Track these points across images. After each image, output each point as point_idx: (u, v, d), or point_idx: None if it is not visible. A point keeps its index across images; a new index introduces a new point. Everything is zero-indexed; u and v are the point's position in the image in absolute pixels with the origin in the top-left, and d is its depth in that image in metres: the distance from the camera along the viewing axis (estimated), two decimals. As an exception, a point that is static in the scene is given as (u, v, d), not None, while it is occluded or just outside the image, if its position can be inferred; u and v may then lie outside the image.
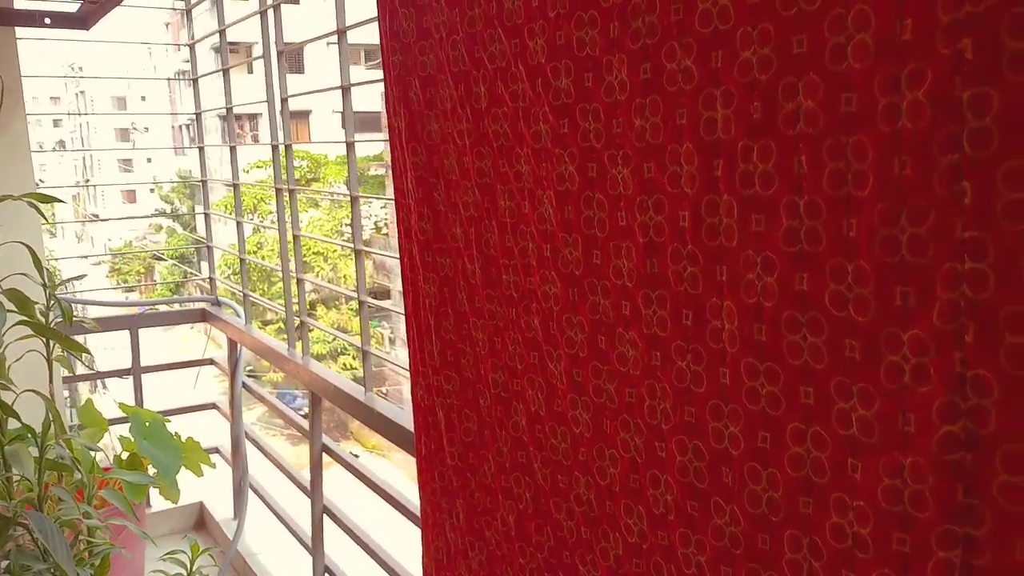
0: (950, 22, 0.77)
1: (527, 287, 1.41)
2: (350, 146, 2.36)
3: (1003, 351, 0.77)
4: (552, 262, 1.33)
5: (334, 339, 17.57)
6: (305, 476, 3.15)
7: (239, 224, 3.50)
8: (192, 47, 3.67)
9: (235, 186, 3.47)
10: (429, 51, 1.53)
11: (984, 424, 0.79)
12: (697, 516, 1.13)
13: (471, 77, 1.44)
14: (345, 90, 2.31)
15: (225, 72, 3.27)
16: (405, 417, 2.34)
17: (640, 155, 1.13)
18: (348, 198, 2.52)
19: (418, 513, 2.26)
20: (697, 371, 1.10)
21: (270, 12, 2.74)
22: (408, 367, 1.84)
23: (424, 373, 1.76)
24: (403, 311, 1.79)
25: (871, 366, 0.88)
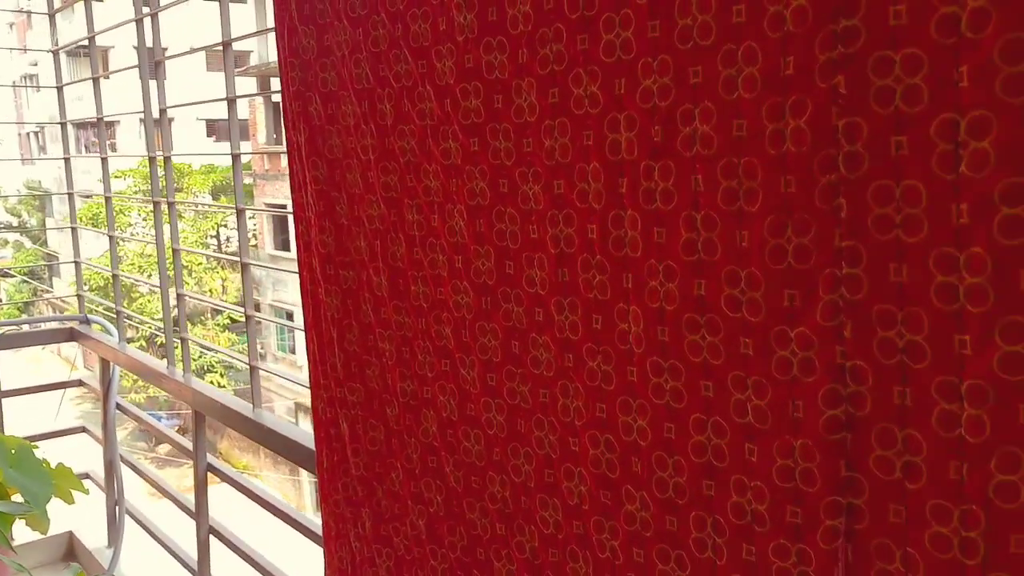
0: (826, 60, 0.89)
1: (437, 297, 1.47)
2: (236, 158, 2.34)
3: (876, 344, 0.90)
4: (464, 273, 1.40)
5: (200, 356, 16.89)
6: (186, 498, 3.06)
7: (112, 238, 3.35)
8: (56, 53, 3.49)
9: (107, 199, 3.33)
10: (331, 68, 1.57)
11: (861, 407, 0.92)
12: (610, 504, 1.22)
13: (376, 95, 1.48)
14: (231, 102, 2.29)
15: (96, 81, 3.14)
16: (299, 432, 2.33)
17: (550, 173, 1.22)
18: (222, 209, 2.48)
19: (312, 528, 2.27)
20: (607, 370, 1.19)
21: (146, 20, 2.67)
22: (308, 381, 1.85)
23: (326, 386, 1.78)
24: (301, 324, 1.80)
25: (763, 360, 1.00)
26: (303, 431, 2.31)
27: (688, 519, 1.11)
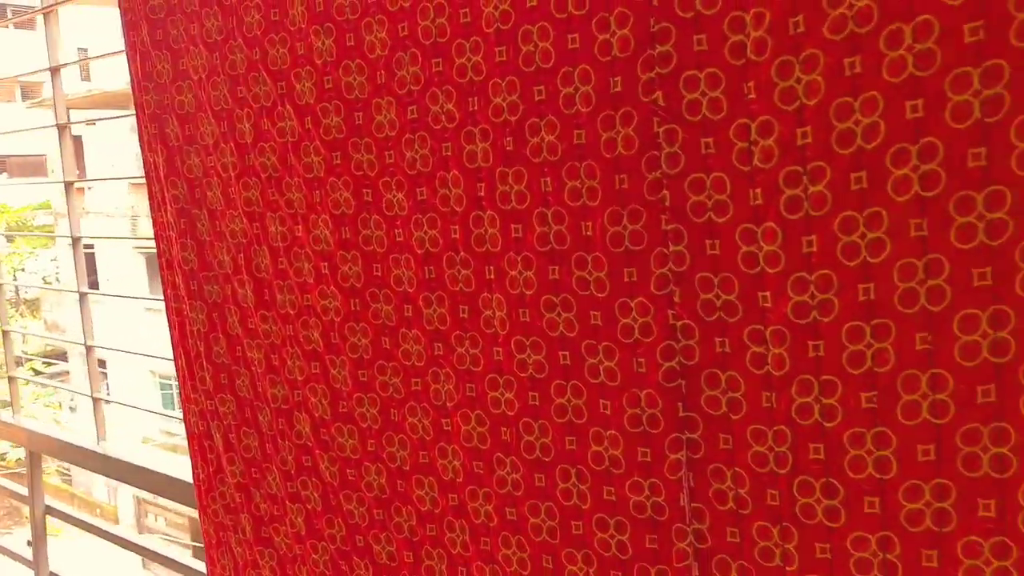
0: (647, 79, 1.10)
1: (304, 304, 1.55)
2: (68, 185, 2.28)
3: (699, 305, 1.11)
4: (331, 278, 1.50)
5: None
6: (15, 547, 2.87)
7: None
8: None
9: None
10: (187, 91, 1.62)
11: (691, 357, 1.13)
12: (483, 473, 1.37)
13: (235, 115, 1.56)
14: (62, 128, 2.23)
15: None
16: (151, 459, 2.31)
17: (412, 181, 1.36)
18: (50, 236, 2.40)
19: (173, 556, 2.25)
20: (475, 353, 1.34)
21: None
22: (179, 398, 1.86)
23: (196, 400, 1.80)
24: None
25: (610, 328, 1.19)
26: (157, 458, 2.28)
27: (555, 473, 1.28)
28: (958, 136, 0.91)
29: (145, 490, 2.29)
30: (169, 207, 1.70)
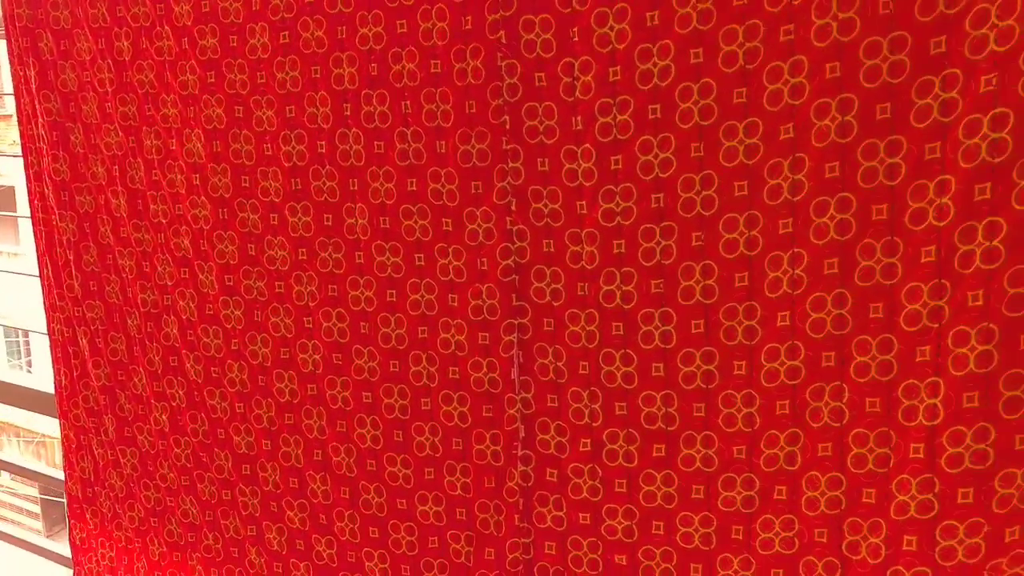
0: (492, 20, 1.31)
1: (175, 213, 1.68)
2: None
3: (531, 213, 1.35)
4: (202, 189, 1.63)
5: None
6: None
7: None
8: None
9: None
10: (63, 7, 1.68)
11: (524, 256, 1.37)
12: (341, 364, 1.56)
13: (112, 33, 1.64)
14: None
15: None
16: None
17: (282, 100, 1.51)
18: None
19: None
20: (338, 258, 1.52)
21: None
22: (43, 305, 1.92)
23: (63, 307, 1.88)
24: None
25: (459, 233, 1.41)
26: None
27: (408, 359, 1.50)
28: (727, 78, 1.18)
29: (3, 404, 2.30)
30: (41, 119, 1.76)
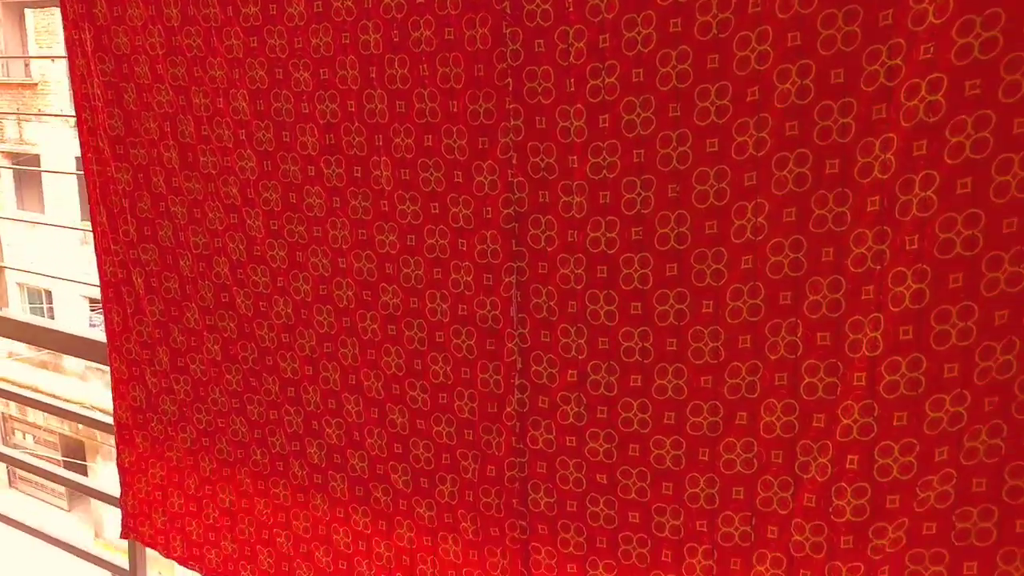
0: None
1: (224, 165, 1.88)
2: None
3: (529, 167, 1.51)
4: (248, 143, 1.82)
5: None
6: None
7: None
8: None
9: None
10: (118, -24, 1.88)
11: (522, 206, 1.53)
12: (370, 299, 1.75)
13: (162, 1, 1.84)
14: None
15: None
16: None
17: (316, 64, 1.69)
18: None
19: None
20: (366, 205, 1.71)
21: None
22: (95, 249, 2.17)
23: (116, 251, 2.11)
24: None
25: (468, 184, 1.57)
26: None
27: (424, 296, 1.68)
28: (702, 45, 1.31)
29: (45, 347, 2.56)
30: (96, 80, 1.98)
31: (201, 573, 2.18)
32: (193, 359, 2.08)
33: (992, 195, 1.16)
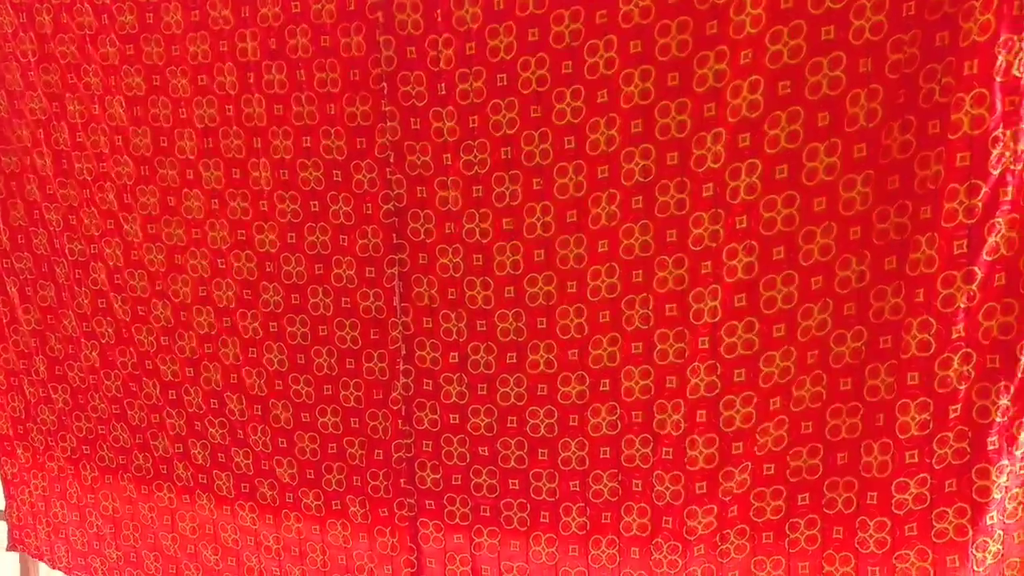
0: (372, 1, 1.54)
1: (100, 171, 1.85)
2: None
3: (406, 164, 1.59)
4: (124, 148, 1.81)
5: None
6: None
7: None
8: None
9: None
10: (-18, -15, 1.83)
11: (401, 201, 1.61)
12: (251, 299, 1.77)
13: (33, 8, 1.80)
14: None
15: None
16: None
17: (194, 70, 1.71)
18: None
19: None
20: (245, 206, 1.73)
21: None
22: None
23: (-11, 260, 2.04)
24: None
25: (347, 182, 1.63)
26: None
27: (306, 292, 1.72)
28: (557, 53, 1.44)
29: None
30: (-36, 88, 1.91)
31: (87, 584, 2.12)
32: (71, 367, 2.02)
33: (804, 179, 1.33)
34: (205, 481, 1.93)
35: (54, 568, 2.16)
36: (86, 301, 1.95)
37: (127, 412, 1.98)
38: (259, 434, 1.84)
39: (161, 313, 1.88)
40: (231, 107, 1.70)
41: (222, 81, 1.69)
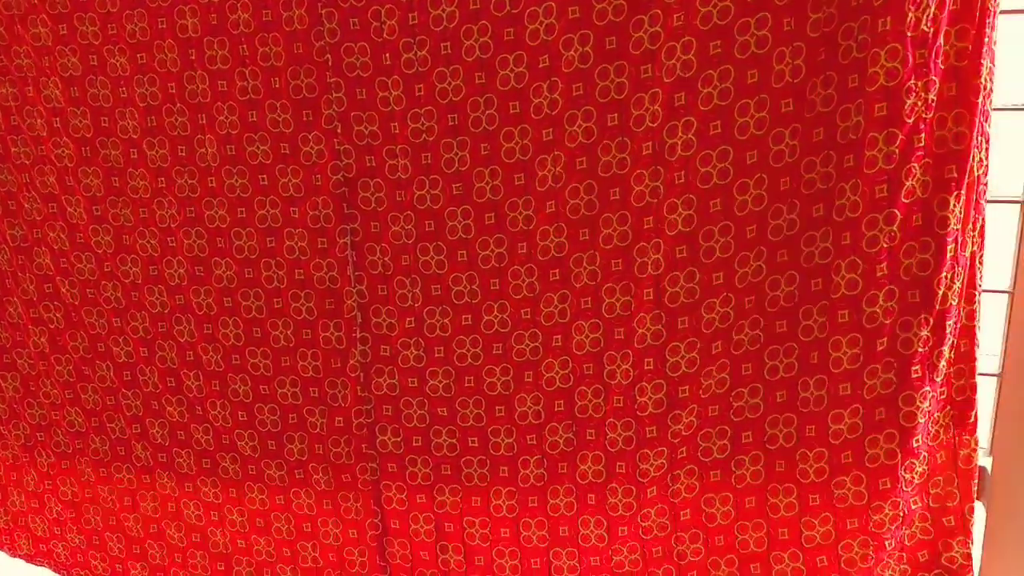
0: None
1: (39, 154, 1.82)
2: None
3: (354, 134, 1.61)
4: (63, 131, 1.78)
5: None
6: None
7: None
8: None
9: None
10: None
11: (350, 171, 1.63)
12: (203, 275, 1.77)
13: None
14: None
15: None
16: None
17: (133, 49, 1.69)
18: None
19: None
20: (193, 183, 1.73)
21: None
22: None
23: (-72, 248, 1.98)
24: None
25: (296, 155, 1.64)
26: None
27: (260, 266, 1.73)
28: (498, 20, 1.47)
29: None
30: None
31: (50, 568, 2.09)
32: (20, 354, 1.99)
33: (736, 133, 1.40)
34: (165, 460, 1.93)
35: (14, 556, 2.13)
36: (31, 287, 1.92)
37: (80, 396, 1.96)
38: (218, 409, 1.85)
39: (111, 294, 1.87)
40: (173, 84, 1.69)
41: (163, 59, 1.68)
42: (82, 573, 2.12)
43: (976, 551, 1.55)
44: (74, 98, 1.76)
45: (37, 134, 1.81)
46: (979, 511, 1.56)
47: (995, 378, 1.56)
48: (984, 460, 1.57)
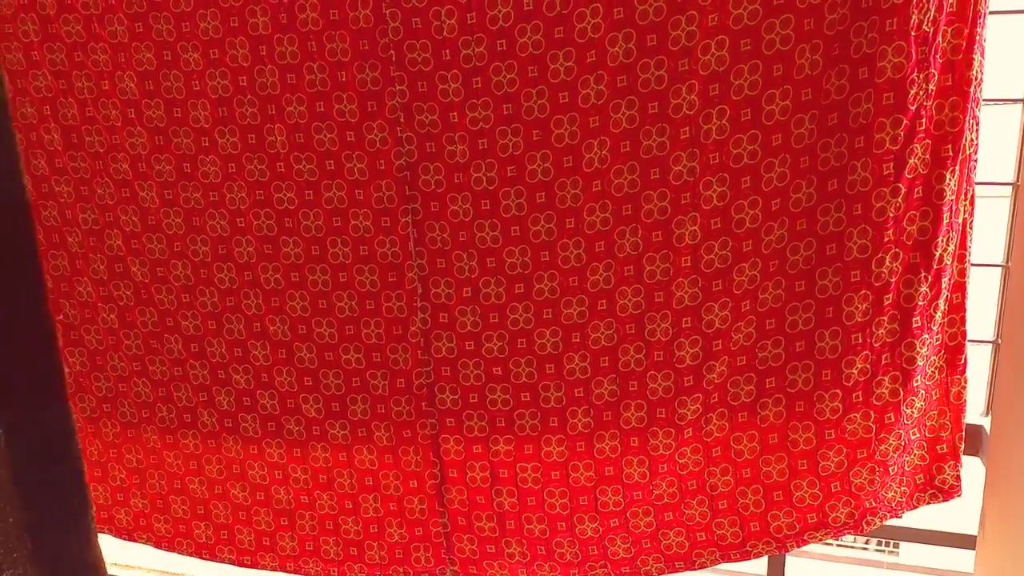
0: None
1: (112, 143, 1.95)
2: None
3: (415, 123, 1.78)
4: (138, 120, 1.92)
5: None
6: None
7: None
8: None
9: None
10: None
11: (412, 156, 1.80)
12: (272, 253, 1.93)
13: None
14: None
15: None
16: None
17: (205, 45, 1.83)
18: None
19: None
20: (262, 168, 1.88)
21: None
22: None
23: None
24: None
25: (360, 143, 1.81)
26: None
27: (326, 243, 1.89)
28: (549, 20, 1.66)
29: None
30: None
31: (112, 535, 2.23)
32: (88, 331, 2.12)
33: (764, 119, 1.61)
34: (231, 424, 2.09)
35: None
36: (102, 267, 2.06)
37: (148, 368, 2.11)
38: (284, 375, 2.01)
39: (181, 272, 2.01)
40: (244, 78, 1.83)
41: (234, 54, 1.83)
42: (144, 536, 2.27)
43: (976, 503, 1.80)
44: (148, 91, 1.90)
45: (112, 124, 1.94)
46: (978, 466, 1.81)
47: (991, 345, 1.80)
48: (983, 420, 1.81)
